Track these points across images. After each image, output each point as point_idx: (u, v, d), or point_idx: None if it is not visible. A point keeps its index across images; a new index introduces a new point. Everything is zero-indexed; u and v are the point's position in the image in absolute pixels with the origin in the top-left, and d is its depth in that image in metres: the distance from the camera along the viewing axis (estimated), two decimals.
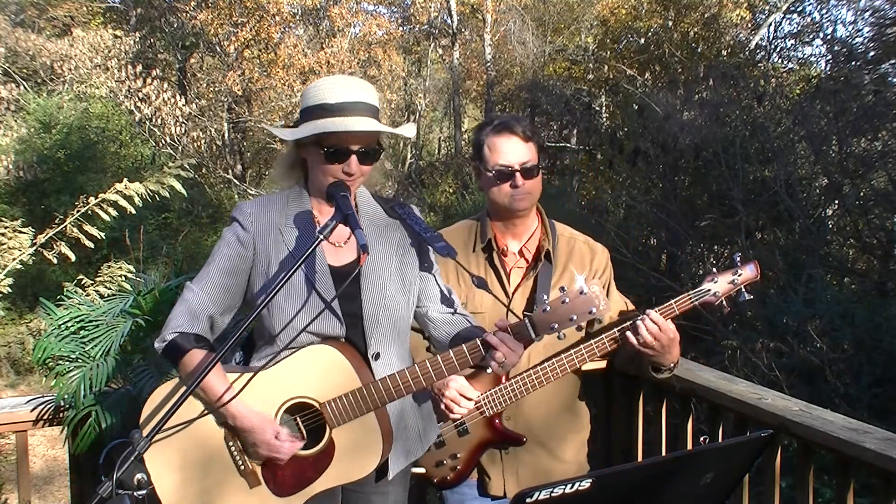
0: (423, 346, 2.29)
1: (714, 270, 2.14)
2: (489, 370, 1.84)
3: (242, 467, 1.88)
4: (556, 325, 1.76)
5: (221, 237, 1.97)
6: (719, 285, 2.12)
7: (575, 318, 1.75)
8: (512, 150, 2.19)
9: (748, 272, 2.12)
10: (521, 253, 2.31)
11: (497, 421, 2.25)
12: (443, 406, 2.09)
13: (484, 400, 2.21)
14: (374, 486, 2.00)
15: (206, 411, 1.85)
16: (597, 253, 2.34)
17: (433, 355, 1.88)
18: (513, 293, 2.27)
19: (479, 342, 1.82)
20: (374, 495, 2.03)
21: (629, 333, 2.11)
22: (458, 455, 2.27)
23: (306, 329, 1.84)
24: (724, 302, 2.13)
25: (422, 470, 2.30)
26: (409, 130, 2.00)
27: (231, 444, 1.88)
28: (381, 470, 1.96)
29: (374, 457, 1.91)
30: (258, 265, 1.93)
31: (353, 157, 1.86)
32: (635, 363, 2.26)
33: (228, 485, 1.88)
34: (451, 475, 2.29)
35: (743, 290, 2.13)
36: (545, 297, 1.79)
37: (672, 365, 2.21)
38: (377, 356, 1.94)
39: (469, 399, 2.07)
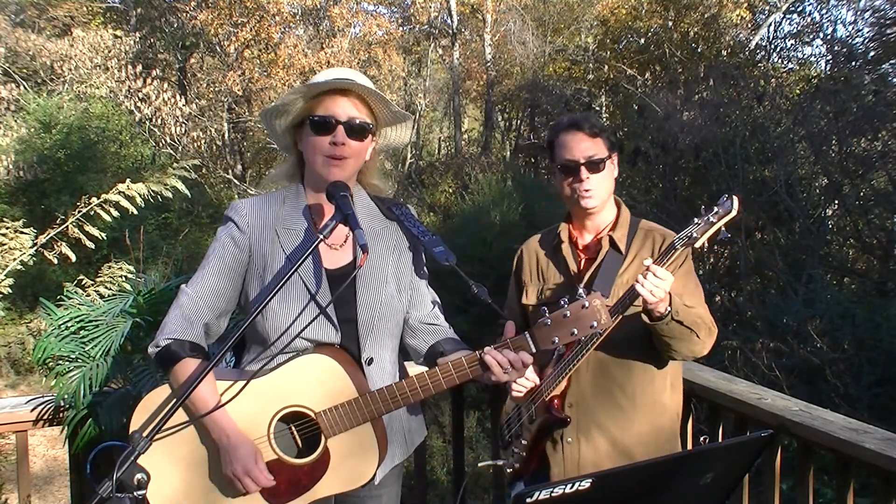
0: None
1: (703, 211, 2.07)
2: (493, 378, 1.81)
3: None
4: (557, 339, 1.73)
5: (216, 238, 1.93)
6: (698, 227, 2.06)
7: (576, 331, 1.72)
8: (577, 146, 2.23)
9: (723, 209, 2.04)
10: (589, 246, 2.33)
11: (555, 401, 2.22)
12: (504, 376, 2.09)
13: (543, 384, 2.20)
14: (366, 489, 1.98)
15: (189, 421, 1.82)
16: (667, 239, 2.30)
17: (423, 364, 1.86)
18: (582, 284, 2.27)
19: (479, 356, 1.79)
20: (368, 499, 2.02)
21: (638, 287, 2.03)
22: (524, 441, 2.28)
23: (301, 335, 1.82)
24: (706, 244, 2.09)
25: (500, 462, 2.34)
26: (401, 117, 1.98)
27: None
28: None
29: (371, 465, 1.89)
30: (254, 267, 1.90)
31: (340, 128, 1.85)
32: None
33: (223, 495, 1.85)
34: (518, 463, 2.30)
35: (723, 229, 2.07)
36: (545, 310, 1.77)
37: (667, 309, 2.10)
38: (370, 361, 1.92)
39: (528, 373, 2.06)
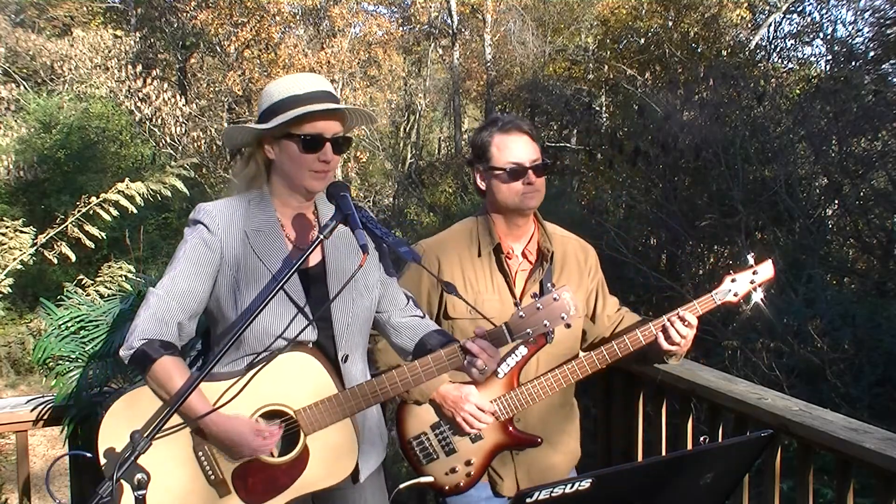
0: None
1: (731, 270, 2.17)
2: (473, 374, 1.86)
3: (212, 477, 1.84)
4: (531, 331, 1.80)
5: (184, 240, 1.91)
6: (739, 285, 2.14)
7: (548, 323, 1.80)
8: (523, 148, 2.21)
9: (766, 271, 2.15)
10: (523, 255, 2.31)
11: (511, 427, 2.26)
12: (460, 419, 2.15)
13: (497, 405, 2.22)
14: (352, 487, 2.00)
15: (181, 425, 1.80)
16: (588, 253, 2.39)
17: (411, 361, 1.88)
18: (520, 296, 2.26)
19: (457, 348, 1.82)
20: (349, 489, 2.03)
21: (660, 334, 2.15)
22: (472, 461, 2.27)
23: (280, 335, 1.84)
24: (743, 302, 2.16)
25: (430, 479, 2.27)
26: (370, 119, 2.10)
27: (200, 453, 1.83)
28: (354, 475, 1.97)
29: (351, 460, 1.91)
30: (225, 269, 1.89)
31: (328, 145, 1.88)
32: (639, 357, 2.28)
33: (198, 495, 1.84)
34: (465, 481, 2.28)
35: (758, 288, 2.17)
36: (518, 304, 1.81)
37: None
38: (346, 359, 1.94)
39: (486, 412, 2.15)
